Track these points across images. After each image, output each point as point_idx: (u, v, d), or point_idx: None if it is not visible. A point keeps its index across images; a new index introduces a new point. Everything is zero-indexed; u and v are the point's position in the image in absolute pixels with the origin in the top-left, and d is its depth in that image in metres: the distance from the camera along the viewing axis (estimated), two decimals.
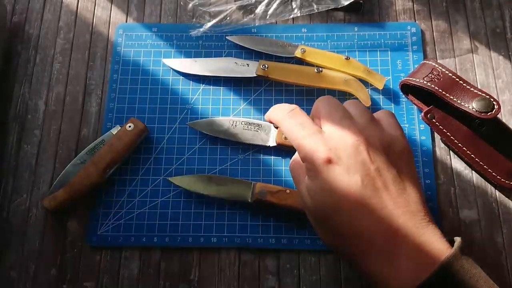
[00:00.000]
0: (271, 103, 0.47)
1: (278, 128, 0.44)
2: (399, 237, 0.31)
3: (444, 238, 0.31)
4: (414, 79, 0.44)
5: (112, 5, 0.52)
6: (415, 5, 0.51)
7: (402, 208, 0.32)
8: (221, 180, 0.43)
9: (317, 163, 0.33)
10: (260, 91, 0.48)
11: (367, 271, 0.32)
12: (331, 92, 0.47)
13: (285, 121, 0.37)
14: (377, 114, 0.38)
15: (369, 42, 0.49)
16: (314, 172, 0.33)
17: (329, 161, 0.32)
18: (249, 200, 0.42)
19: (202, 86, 0.48)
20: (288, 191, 0.42)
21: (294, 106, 0.38)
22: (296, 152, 0.37)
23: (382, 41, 0.49)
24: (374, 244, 0.31)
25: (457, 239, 0.31)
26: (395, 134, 0.35)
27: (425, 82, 0.43)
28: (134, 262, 0.42)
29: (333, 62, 0.47)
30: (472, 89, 0.42)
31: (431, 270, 0.29)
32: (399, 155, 0.34)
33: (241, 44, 0.49)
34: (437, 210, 0.43)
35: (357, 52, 0.49)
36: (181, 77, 0.49)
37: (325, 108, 0.36)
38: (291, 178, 0.44)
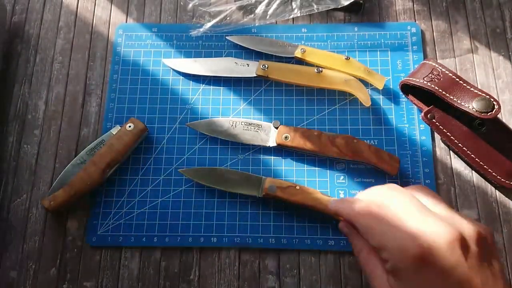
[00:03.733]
0: (271, 103, 0.47)
1: (278, 128, 0.44)
2: None
3: None
4: (414, 79, 0.44)
5: (112, 5, 0.52)
6: (415, 5, 0.51)
7: None
8: (231, 174, 0.43)
9: (407, 263, 0.30)
10: (260, 91, 0.48)
11: None
12: (331, 92, 0.47)
13: (359, 216, 0.34)
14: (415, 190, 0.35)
15: (369, 42, 0.49)
16: (404, 273, 0.30)
17: (421, 261, 0.29)
18: (258, 195, 0.42)
19: (202, 86, 0.48)
20: (298, 187, 0.41)
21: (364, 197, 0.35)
22: (357, 241, 0.35)
23: (382, 41, 0.49)
24: None
25: None
26: (477, 224, 0.32)
27: (425, 82, 0.43)
28: (134, 262, 0.42)
29: (333, 62, 0.47)
30: (472, 89, 0.42)
31: None
32: (487, 247, 0.31)
33: (241, 44, 0.49)
34: None
35: (357, 52, 0.49)
36: (181, 77, 0.49)
37: (395, 202, 0.33)
38: (291, 179, 0.44)
